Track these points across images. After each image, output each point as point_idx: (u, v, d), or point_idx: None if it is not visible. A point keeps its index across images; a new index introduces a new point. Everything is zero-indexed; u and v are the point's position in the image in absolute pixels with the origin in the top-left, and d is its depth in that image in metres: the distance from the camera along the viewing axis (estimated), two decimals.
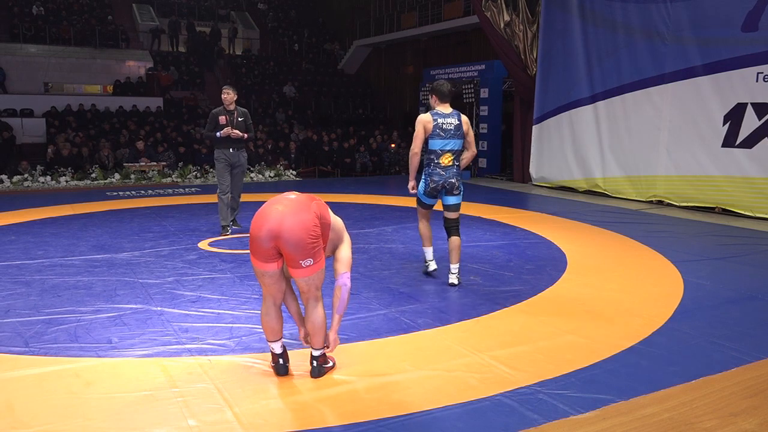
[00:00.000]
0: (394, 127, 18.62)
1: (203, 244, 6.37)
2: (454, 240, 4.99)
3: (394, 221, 7.86)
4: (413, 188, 5.08)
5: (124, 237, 6.78)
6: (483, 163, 13.75)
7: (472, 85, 13.57)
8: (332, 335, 3.25)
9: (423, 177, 5.03)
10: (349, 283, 3.22)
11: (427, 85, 15.14)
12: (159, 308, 4.29)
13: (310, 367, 3.23)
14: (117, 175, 12.19)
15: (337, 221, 3.29)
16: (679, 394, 3.06)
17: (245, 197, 9.76)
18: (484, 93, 13.48)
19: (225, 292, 4.69)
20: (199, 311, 4.24)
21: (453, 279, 4.90)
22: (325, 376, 3.22)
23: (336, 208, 8.55)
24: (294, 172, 13.65)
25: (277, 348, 3.24)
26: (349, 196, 10.17)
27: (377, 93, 22.96)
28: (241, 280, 5.03)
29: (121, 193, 10.66)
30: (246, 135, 6.98)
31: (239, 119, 6.99)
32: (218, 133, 6.87)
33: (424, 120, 4.85)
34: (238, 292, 4.69)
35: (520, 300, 4.55)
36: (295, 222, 3.01)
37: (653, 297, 4.68)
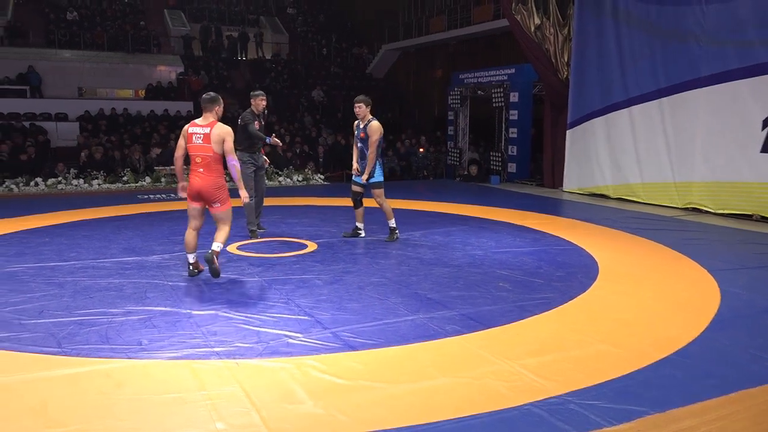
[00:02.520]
0: (422, 132, 18.60)
1: (231, 248, 6.43)
2: (363, 209, 6.90)
3: (422, 226, 7.84)
4: (357, 168, 6.66)
5: (155, 240, 6.88)
6: (512, 167, 13.65)
7: (501, 89, 13.50)
8: (242, 192, 5.24)
9: (380, 167, 6.57)
10: (236, 163, 5.04)
11: (456, 89, 15.10)
12: (188, 311, 4.34)
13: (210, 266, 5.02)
14: (148, 179, 12.41)
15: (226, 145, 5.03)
16: (717, 408, 2.98)
17: (274, 201, 9.85)
18: (514, 97, 13.39)
19: (253, 296, 4.73)
20: (227, 314, 4.28)
21: (363, 232, 6.85)
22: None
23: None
24: (322, 176, 13.71)
25: (191, 258, 5.25)
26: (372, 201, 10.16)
27: (405, 97, 22.98)
28: (270, 284, 5.07)
29: (151, 196, 10.84)
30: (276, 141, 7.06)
31: (263, 123, 7.21)
32: (268, 139, 6.88)
33: (380, 128, 6.54)
34: (266, 296, 4.72)
35: (551, 307, 4.50)
36: (205, 184, 5.04)
37: (688, 306, 4.59)
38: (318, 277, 5.32)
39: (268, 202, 9.36)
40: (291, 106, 19.98)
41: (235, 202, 5.57)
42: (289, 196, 10.75)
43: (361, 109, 6.50)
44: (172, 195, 10.87)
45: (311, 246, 6.59)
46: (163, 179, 12.47)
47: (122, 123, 17.00)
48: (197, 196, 5.12)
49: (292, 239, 6.86)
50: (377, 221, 8.07)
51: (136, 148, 13.88)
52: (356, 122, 6.62)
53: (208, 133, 5.00)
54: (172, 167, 13.00)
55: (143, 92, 19.83)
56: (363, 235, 6.99)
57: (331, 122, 19.27)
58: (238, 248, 6.44)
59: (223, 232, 5.17)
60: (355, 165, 6.75)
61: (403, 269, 5.61)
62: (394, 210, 9.25)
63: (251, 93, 7.20)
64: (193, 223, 5.23)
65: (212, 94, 5.17)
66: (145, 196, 10.77)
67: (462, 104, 15.09)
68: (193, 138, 5.04)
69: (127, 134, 15.86)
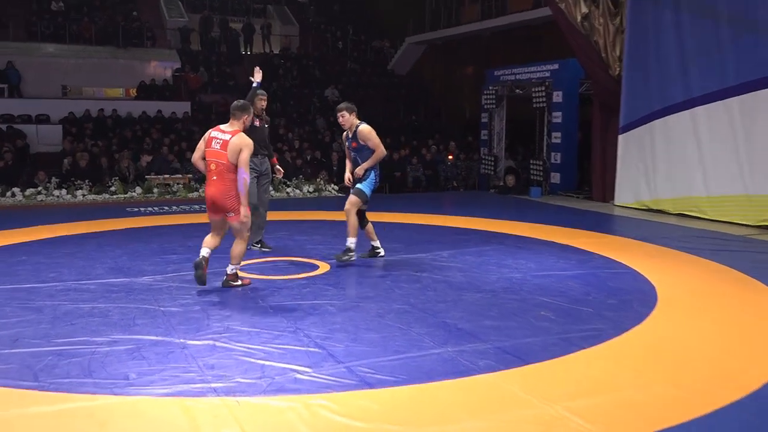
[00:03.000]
0: (451, 136, 18.63)
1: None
2: (370, 224, 6.89)
3: (451, 245, 7.83)
4: (350, 179, 6.66)
5: (145, 259, 6.94)
6: (556, 178, 13.60)
7: (543, 88, 13.48)
8: (242, 209, 5.49)
9: (374, 176, 6.61)
10: (246, 177, 5.44)
11: (490, 88, 15.12)
12: (182, 340, 4.37)
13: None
14: (138, 189, 12.57)
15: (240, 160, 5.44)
16: None
17: (281, 215, 9.91)
18: (557, 96, 13.37)
19: (256, 324, 4.74)
20: (226, 345, 4.30)
21: (382, 250, 6.93)
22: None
23: (383, 229, 8.59)
24: (336, 187, 13.78)
25: (204, 252, 5.59)
26: (399, 216, 10.19)
27: (432, 97, 23.06)
28: (275, 310, 5.09)
29: (142, 209, 10.97)
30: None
31: (266, 126, 7.38)
32: (256, 83, 7.15)
33: (372, 129, 6.53)
34: (271, 324, 4.73)
35: (601, 341, 4.46)
36: (217, 191, 5.49)
37: (763, 341, 4.51)
38: (331, 302, 5.32)
39: (273, 216, 9.41)
40: (302, 107, 20.16)
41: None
42: (299, 209, 10.81)
43: (345, 117, 6.53)
44: (165, 208, 10.98)
45: (323, 267, 6.60)
46: (155, 190, 12.63)
47: (111, 126, 17.26)
48: (212, 205, 5.58)
49: (302, 259, 6.88)
50: (400, 238, 8.07)
51: (126, 154, 14.09)
52: (344, 133, 6.71)
53: (227, 140, 5.46)
54: (165, 176, 13.17)
55: (135, 91, 20.13)
56: (383, 254, 7.00)
57: None
58: (240, 269, 6.46)
59: (238, 248, 5.65)
60: (347, 175, 6.80)
61: (428, 295, 5.60)
62: (419, 226, 9.29)
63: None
64: (215, 233, 5.73)
65: (243, 102, 5.72)
66: (135, 209, 10.90)
67: (497, 105, 15.10)
68: (213, 143, 5.53)
69: (115, 139, 16.10)
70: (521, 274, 6.39)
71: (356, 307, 5.18)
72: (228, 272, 5.76)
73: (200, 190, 12.80)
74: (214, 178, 5.52)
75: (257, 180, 7.21)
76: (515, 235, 8.54)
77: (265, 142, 7.32)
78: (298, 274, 6.31)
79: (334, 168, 15.09)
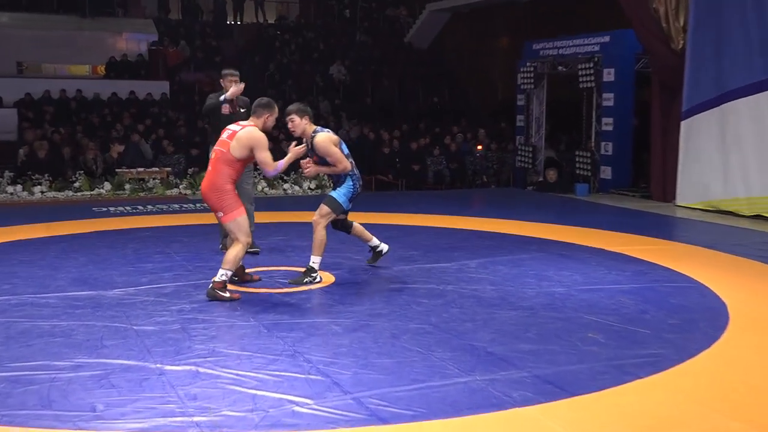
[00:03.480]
0: (480, 122, 18.62)
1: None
2: (356, 224, 6.92)
3: (481, 253, 7.82)
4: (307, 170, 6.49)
5: (116, 268, 6.97)
6: (606, 172, 13.54)
7: (591, 64, 13.43)
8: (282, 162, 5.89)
9: (350, 182, 6.57)
10: (279, 167, 5.84)
11: (528, 64, 15.09)
12: (159, 365, 4.38)
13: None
14: (107, 185, 12.64)
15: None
16: None
17: (277, 216, 9.92)
18: (609, 75, 13.32)
19: (247, 346, 4.75)
20: (211, 371, 4.31)
21: (384, 245, 7.01)
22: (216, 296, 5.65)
23: (399, 234, 8.58)
24: None
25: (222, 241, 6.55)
26: (418, 218, 10.19)
27: (457, 75, 23.03)
28: (269, 329, 5.10)
29: (112, 208, 11.01)
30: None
31: (241, 111, 7.57)
32: (222, 97, 7.51)
33: (332, 138, 6.52)
34: (265, 347, 4.74)
35: (660, 369, 4.43)
36: (208, 183, 5.88)
37: None
38: (336, 321, 5.33)
39: (268, 217, 9.45)
40: (301, 88, 20.22)
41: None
42: (298, 209, 10.81)
43: (295, 122, 6.31)
44: (139, 207, 11.04)
45: (327, 278, 6.61)
46: (127, 186, 12.69)
47: (75, 110, 17.38)
48: (205, 200, 6.03)
49: (301, 268, 6.89)
50: (419, 244, 8.07)
51: (93, 143, 14.16)
52: (326, 132, 6.56)
53: (237, 131, 5.85)
54: (139, 170, 13.23)
55: (103, 69, 20.27)
56: (386, 250, 7.05)
57: (355, 109, 19.42)
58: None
59: (232, 251, 5.86)
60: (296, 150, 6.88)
61: (453, 312, 5.59)
62: (441, 230, 9.27)
63: (222, 71, 7.83)
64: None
65: (267, 99, 6.09)
66: (104, 209, 10.94)
67: (536, 85, 15.06)
68: (224, 133, 5.98)
69: (80, 125, 16.19)
70: (565, 287, 6.37)
71: (366, 327, 5.18)
72: (215, 279, 5.81)
73: (181, 186, 12.86)
74: (210, 168, 5.90)
75: None
76: (557, 241, 8.52)
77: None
78: (297, 287, 6.33)
79: None
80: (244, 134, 5.80)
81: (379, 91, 20.82)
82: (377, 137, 16.50)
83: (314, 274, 6.44)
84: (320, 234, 6.44)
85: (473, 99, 21.96)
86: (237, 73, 7.81)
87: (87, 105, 17.77)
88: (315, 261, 6.45)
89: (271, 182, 13.03)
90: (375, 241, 7.03)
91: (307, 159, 6.42)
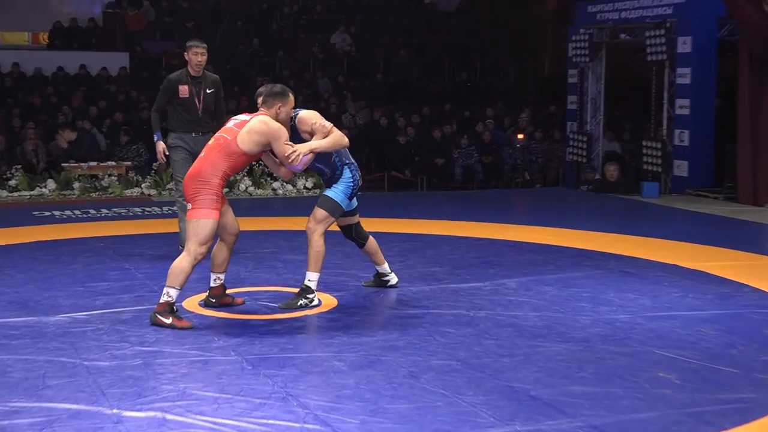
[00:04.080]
0: (521, 105, 18.58)
1: (190, 303, 6.47)
2: (373, 239, 6.88)
3: (522, 270, 7.81)
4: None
5: (61, 288, 6.95)
6: (682, 168, 13.51)
7: (662, 32, 13.38)
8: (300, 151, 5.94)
9: (348, 173, 6.55)
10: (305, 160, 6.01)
11: (581, 31, 15.04)
12: (115, 411, 4.36)
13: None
14: (51, 183, 12.66)
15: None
16: None
17: (264, 223, 9.88)
18: (685, 45, 13.29)
19: (226, 388, 4.73)
20: (182, 419, 4.28)
21: (394, 277, 7.01)
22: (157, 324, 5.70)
23: (418, 246, 8.56)
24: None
25: (212, 280, 6.33)
26: (442, 225, 10.18)
27: (493, 46, 22.99)
28: (255, 366, 5.08)
29: (57, 213, 11.01)
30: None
31: (208, 91, 7.86)
32: (156, 136, 8.11)
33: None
34: (249, 388, 4.72)
35: (751, 417, 4.40)
36: (193, 170, 5.98)
37: None
38: (339, 355, 5.31)
39: (252, 223, 9.43)
40: (297, 61, 20.23)
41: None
42: (291, 214, 10.81)
43: (267, 105, 6.16)
44: (92, 212, 11.05)
45: (327, 301, 6.60)
46: (76, 184, 12.70)
47: (10, 88, 17.39)
48: None
49: (294, 289, 6.86)
50: (443, 258, 8.06)
51: (34, 131, 14.16)
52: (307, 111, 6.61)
53: (247, 120, 5.98)
54: (91, 164, 13.22)
55: (46, 37, 20.29)
56: (394, 282, 7.05)
57: (363, 87, 19.41)
58: (202, 303, 6.48)
59: (178, 264, 5.87)
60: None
61: (486, 345, 5.56)
62: (472, 240, 9.25)
63: (187, 43, 8.06)
64: (220, 238, 6.22)
65: (281, 86, 6.20)
66: (47, 213, 10.96)
67: (592, 57, 15.00)
68: (230, 121, 6.14)
69: (17, 108, 16.22)
70: (629, 314, 6.34)
71: (377, 363, 5.16)
72: (160, 301, 5.87)
73: (144, 185, 12.85)
74: (202, 154, 6.03)
75: (185, 160, 7.74)
76: (619, 255, 8.51)
77: (201, 116, 7.98)
78: (290, 311, 6.31)
79: None
80: (258, 124, 5.87)
81: (393, 65, 20.78)
82: (391, 123, 16.49)
83: (311, 296, 6.43)
84: (317, 245, 6.40)
85: (512, 75, 21.92)
86: (204, 45, 7.97)
87: (25, 82, 17.80)
88: (311, 279, 6.45)
89: (257, 180, 13.03)
90: (386, 267, 7.03)
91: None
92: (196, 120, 8.01)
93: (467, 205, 12.05)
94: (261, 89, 6.29)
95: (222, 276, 6.27)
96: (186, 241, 5.96)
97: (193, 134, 7.95)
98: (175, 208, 11.32)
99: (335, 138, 6.24)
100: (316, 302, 6.44)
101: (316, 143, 6.12)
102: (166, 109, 8.16)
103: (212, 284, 6.30)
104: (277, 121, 6.01)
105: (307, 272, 6.44)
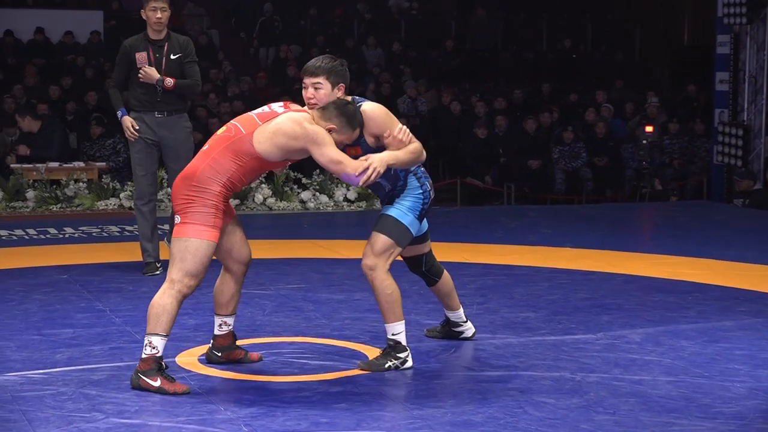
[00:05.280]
0: (650, 85, 18.54)
1: (187, 358, 6.55)
2: (448, 276, 6.92)
3: (649, 316, 7.84)
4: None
5: (11, 336, 7.07)
6: None
7: None
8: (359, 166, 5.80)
9: (416, 183, 6.41)
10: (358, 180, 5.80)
11: None
12: None
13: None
14: None
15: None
16: None
17: (285, 248, 9.94)
18: None
19: None
20: None
21: (471, 328, 7.09)
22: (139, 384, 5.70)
23: (504, 281, 8.61)
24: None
25: (217, 327, 6.35)
26: (537, 252, 10.22)
27: (606, 5, 22.94)
28: None
29: (4, 232, 11.22)
30: (173, 82, 8.11)
31: (173, 56, 8.11)
32: (121, 112, 8.34)
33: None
34: None
35: None
36: (188, 169, 5.99)
37: None
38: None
39: (275, 249, 9.49)
40: (331, 25, 20.32)
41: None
42: (326, 236, 10.87)
43: (321, 92, 6.13)
44: (52, 230, 11.18)
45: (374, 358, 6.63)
46: (31, 193, 12.84)
47: None
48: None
49: (329, 341, 6.92)
50: (538, 298, 8.07)
51: None
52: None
53: (279, 113, 5.90)
54: (50, 165, 13.32)
55: None
56: (470, 334, 7.08)
57: (427, 61, 19.47)
58: (201, 358, 6.55)
59: (159, 301, 5.81)
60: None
61: (599, 421, 5.54)
62: (579, 274, 9.22)
63: None
64: (224, 268, 6.30)
65: (339, 60, 6.25)
66: None
67: (752, 18, 14.91)
68: (258, 109, 6.08)
69: None
70: None
71: None
72: (142, 354, 5.82)
73: (121, 194, 12.96)
74: (204, 147, 5.95)
75: (144, 152, 8.25)
76: None
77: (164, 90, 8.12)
78: (325, 373, 6.35)
79: None
80: (289, 124, 5.79)
81: (470, 30, 20.80)
82: (466, 110, 16.53)
83: (402, 354, 6.41)
84: (384, 286, 6.32)
85: (637, 44, 21.87)
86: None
87: None
88: (396, 332, 6.42)
89: (279, 189, 13.09)
90: (461, 313, 7.05)
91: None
92: (157, 95, 8.18)
93: (572, 225, 12.05)
94: (315, 62, 6.19)
95: (230, 320, 6.27)
96: (169, 266, 5.80)
97: (156, 114, 8.18)
98: (165, 226, 11.50)
99: (416, 151, 6.15)
100: (410, 362, 6.43)
101: (392, 155, 6.02)
102: (127, 84, 8.42)
103: (217, 332, 6.29)
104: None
105: (386, 326, 6.42)
